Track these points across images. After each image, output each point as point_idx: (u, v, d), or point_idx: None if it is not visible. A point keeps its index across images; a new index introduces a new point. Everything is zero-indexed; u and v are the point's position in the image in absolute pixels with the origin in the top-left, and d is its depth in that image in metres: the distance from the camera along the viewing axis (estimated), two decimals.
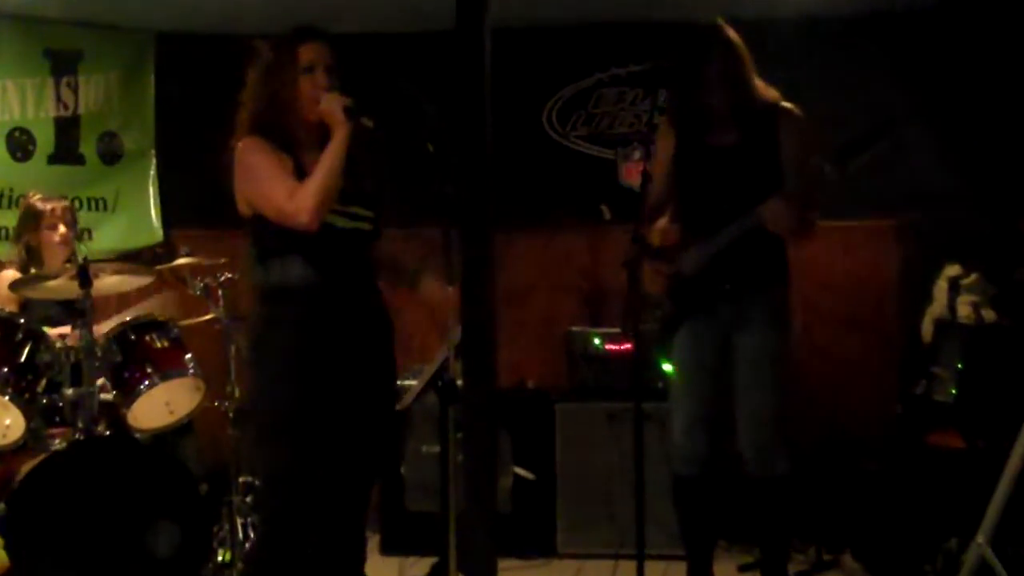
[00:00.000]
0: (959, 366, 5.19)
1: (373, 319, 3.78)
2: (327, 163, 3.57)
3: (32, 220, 5.34)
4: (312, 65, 3.67)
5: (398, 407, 3.96)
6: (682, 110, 4.30)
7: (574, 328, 6.02)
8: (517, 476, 5.69)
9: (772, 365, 4.22)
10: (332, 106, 3.60)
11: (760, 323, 4.21)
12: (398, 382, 3.99)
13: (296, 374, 3.63)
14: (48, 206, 5.34)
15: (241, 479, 5.22)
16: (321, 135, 3.67)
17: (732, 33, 4.19)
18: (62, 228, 5.33)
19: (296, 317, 3.65)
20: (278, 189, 3.58)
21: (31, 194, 5.47)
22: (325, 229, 3.62)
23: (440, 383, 3.64)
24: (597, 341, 5.88)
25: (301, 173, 3.63)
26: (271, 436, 3.69)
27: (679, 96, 4.32)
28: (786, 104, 4.21)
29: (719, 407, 4.29)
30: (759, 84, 4.21)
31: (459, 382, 3.60)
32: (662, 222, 4.34)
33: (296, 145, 3.68)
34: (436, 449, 4.65)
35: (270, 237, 3.67)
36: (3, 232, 6.06)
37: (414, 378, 4.72)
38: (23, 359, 4.73)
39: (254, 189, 3.65)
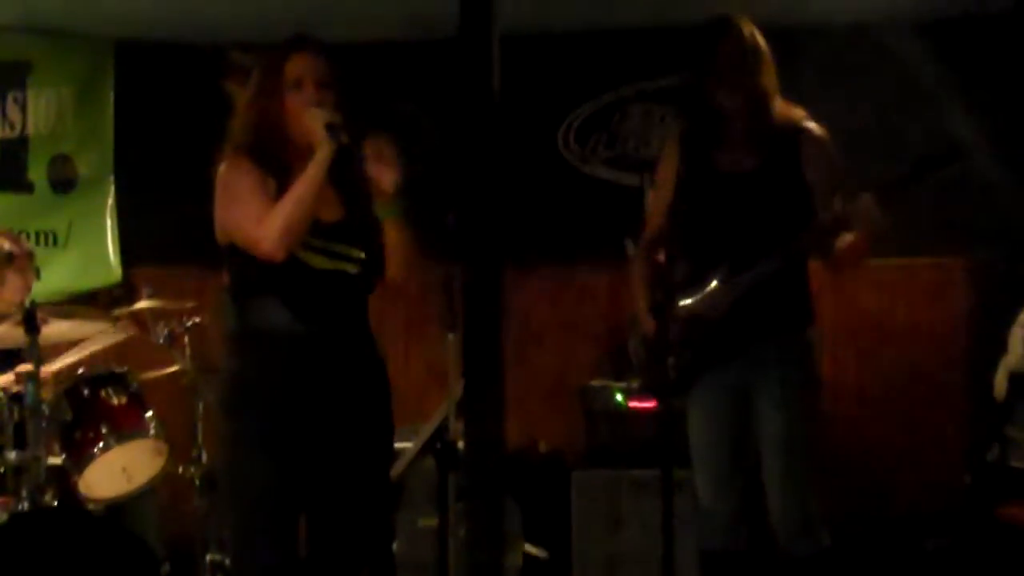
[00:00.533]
0: None
1: (363, 374, 3.75)
2: (299, 186, 3.58)
3: (4, 261, 5.33)
4: (300, 79, 3.68)
5: (391, 474, 3.94)
6: (690, 128, 4.29)
7: (593, 382, 6.01)
8: (527, 555, 5.67)
9: (799, 422, 4.20)
10: (313, 123, 3.61)
11: (784, 374, 4.19)
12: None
13: (273, 437, 3.61)
14: (19, 248, 5.37)
15: (209, 557, 5.20)
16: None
17: (748, 31, 4.16)
18: (31, 275, 5.37)
19: (273, 369, 3.63)
20: (249, 212, 3.60)
21: None
22: (299, 268, 3.61)
23: (438, 446, 3.62)
24: (619, 397, 5.86)
25: None
26: (242, 510, 3.66)
27: (687, 111, 4.32)
28: (810, 124, 4.20)
29: (748, 469, 4.27)
30: (780, 100, 4.20)
31: (460, 444, 3.58)
32: (660, 258, 4.34)
33: (284, 168, 3.68)
34: (434, 522, 4.62)
35: (245, 272, 3.68)
36: None
37: (409, 440, 4.70)
38: None
39: (226, 212, 3.67)
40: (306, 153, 3.66)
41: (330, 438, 3.65)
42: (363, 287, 3.77)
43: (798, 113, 4.21)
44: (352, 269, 3.71)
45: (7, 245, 5.39)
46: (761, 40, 4.15)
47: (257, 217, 3.57)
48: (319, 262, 3.65)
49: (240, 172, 3.65)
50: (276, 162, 3.68)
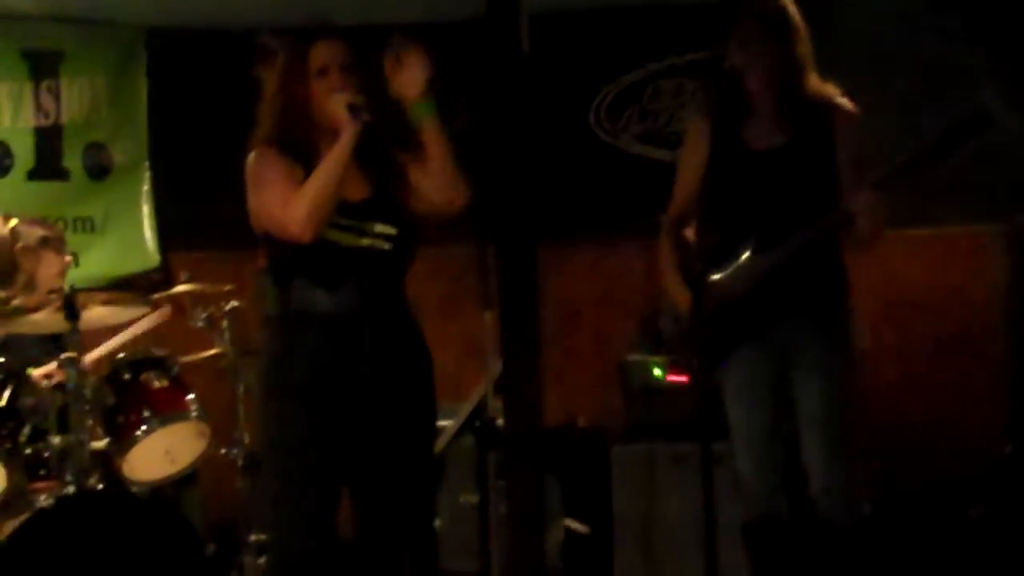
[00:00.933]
0: None
1: (401, 350, 3.77)
2: (326, 168, 3.62)
3: (35, 241, 5.37)
4: (325, 66, 3.72)
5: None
6: (719, 101, 4.24)
7: (631, 357, 5.99)
8: (568, 529, 5.68)
9: (837, 394, 4.19)
10: (336, 106, 3.65)
11: (820, 347, 4.18)
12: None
13: (314, 417, 3.64)
14: (51, 231, 5.41)
15: (253, 537, 5.23)
16: (361, 145, 3.71)
17: (778, 3, 4.09)
18: (68, 257, 5.41)
19: (311, 347, 3.67)
20: (276, 198, 3.65)
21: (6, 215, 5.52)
22: (331, 248, 3.65)
23: (478, 424, 3.64)
24: (657, 372, 5.85)
25: None
26: (282, 491, 3.69)
27: (716, 83, 4.27)
28: (843, 101, 4.16)
29: (786, 440, 4.27)
30: (814, 74, 4.15)
31: (500, 422, 3.60)
32: (691, 232, 4.32)
33: (313, 155, 3.71)
34: (475, 499, 4.64)
35: (280, 255, 3.73)
36: None
37: (448, 419, 4.72)
38: (3, 404, 4.76)
39: (257, 200, 3.72)
40: (332, 138, 3.69)
41: (371, 416, 3.68)
42: (398, 263, 3.79)
43: (831, 89, 4.17)
44: (385, 246, 3.74)
45: (40, 230, 5.43)
46: (792, 8, 4.08)
47: (284, 201, 3.62)
48: (350, 240, 3.68)
49: (267, 160, 3.71)
50: (303, 149, 3.72)
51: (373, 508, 3.73)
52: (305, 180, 3.66)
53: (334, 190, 3.61)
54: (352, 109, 3.62)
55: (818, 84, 4.13)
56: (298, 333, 3.70)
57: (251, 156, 3.73)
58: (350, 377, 3.66)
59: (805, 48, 4.09)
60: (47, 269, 5.39)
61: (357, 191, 3.72)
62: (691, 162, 4.26)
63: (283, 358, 3.72)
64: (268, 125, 3.75)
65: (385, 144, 3.74)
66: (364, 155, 3.69)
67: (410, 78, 3.68)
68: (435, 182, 3.72)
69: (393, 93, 3.70)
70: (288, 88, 3.73)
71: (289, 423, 3.68)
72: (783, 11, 4.07)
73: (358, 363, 3.67)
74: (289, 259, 3.69)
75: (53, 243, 5.42)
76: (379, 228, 3.73)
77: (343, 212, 3.66)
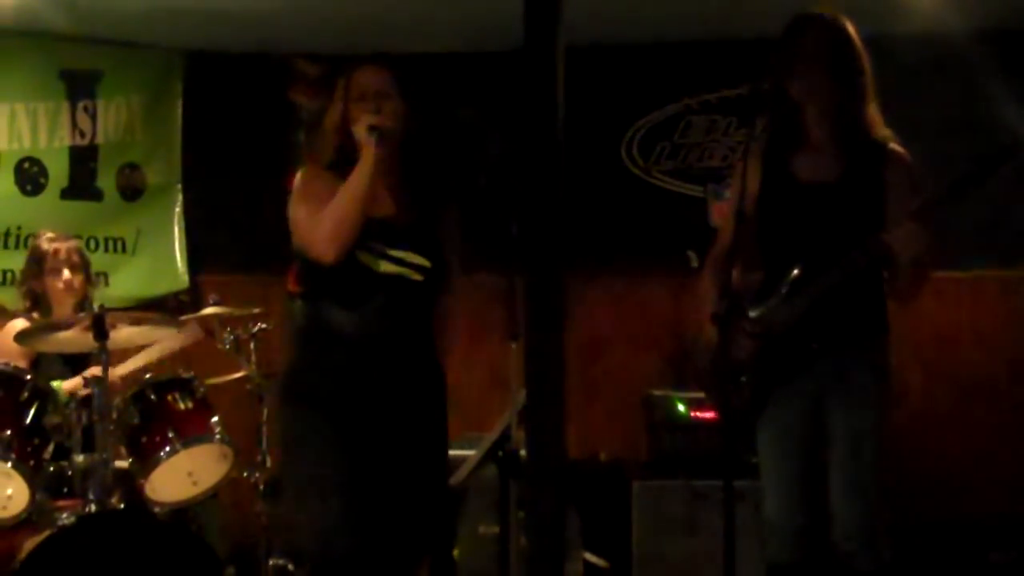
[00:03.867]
0: None
1: (418, 380, 3.78)
2: (348, 190, 3.66)
3: (35, 263, 5.39)
4: (364, 93, 3.78)
5: (452, 481, 3.95)
6: (770, 135, 4.18)
7: (655, 391, 5.98)
8: (588, 563, 5.65)
9: (871, 436, 4.13)
10: (359, 127, 3.70)
11: (857, 386, 4.12)
12: (451, 452, 3.98)
13: (325, 430, 3.65)
14: (52, 247, 5.38)
15: (272, 561, 5.22)
16: (403, 167, 3.79)
17: (841, 24, 4.00)
18: (66, 273, 5.34)
19: (331, 365, 3.70)
20: (308, 216, 3.71)
21: (40, 233, 5.53)
22: (362, 271, 3.69)
23: (500, 454, 3.62)
24: (681, 407, 5.84)
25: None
26: (306, 499, 3.72)
27: (766, 116, 4.18)
28: (896, 147, 4.12)
29: (817, 483, 4.22)
30: (873, 106, 4.10)
31: (522, 453, 3.58)
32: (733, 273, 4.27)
33: None
34: (495, 530, 4.62)
35: (311, 274, 3.78)
36: (9, 276, 6.11)
37: (471, 448, 4.71)
38: (28, 421, 4.77)
39: (295, 215, 3.78)
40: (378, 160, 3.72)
41: (380, 442, 3.70)
42: (427, 295, 3.79)
43: (885, 131, 4.11)
44: (416, 276, 3.74)
45: (42, 246, 5.40)
46: (856, 37, 3.98)
47: (311, 221, 3.69)
48: (384, 267, 3.69)
49: (312, 179, 3.79)
50: (347, 170, 3.73)
51: (382, 530, 3.73)
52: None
53: (356, 212, 3.64)
54: (372, 130, 3.65)
55: (876, 118, 4.05)
56: (317, 349, 3.75)
57: (300, 172, 3.83)
58: (363, 399, 3.69)
59: (867, 79, 4.01)
60: (52, 287, 5.37)
61: (394, 216, 3.75)
62: (740, 195, 4.16)
63: (300, 370, 3.79)
64: (317, 148, 3.86)
65: (430, 175, 3.77)
66: (401, 180, 3.72)
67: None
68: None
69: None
70: (333, 113, 3.81)
71: (302, 431, 3.73)
72: (849, 40, 3.99)
73: (372, 387, 3.70)
74: (319, 279, 3.74)
75: (47, 263, 5.36)
76: (413, 258, 3.74)
77: (377, 236, 3.69)
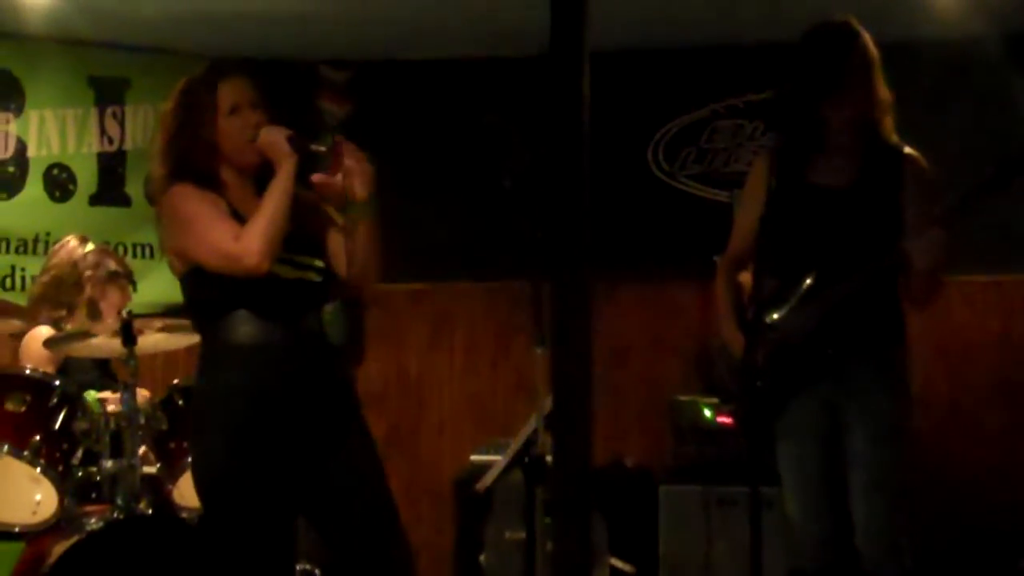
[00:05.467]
0: None
1: (329, 382, 3.76)
2: (274, 199, 3.63)
3: (106, 273, 5.40)
4: (236, 105, 3.75)
5: (478, 486, 3.94)
6: (786, 141, 4.18)
7: (680, 397, 5.97)
8: (614, 569, 5.64)
9: (890, 442, 4.12)
10: (273, 137, 3.67)
11: (875, 393, 4.11)
12: (478, 457, 3.97)
13: (245, 451, 3.65)
14: (122, 267, 5.45)
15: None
16: (259, 175, 3.73)
17: (868, 38, 4.03)
18: (130, 289, 5.44)
19: (243, 384, 3.66)
20: (221, 231, 3.63)
21: (67, 240, 5.55)
22: (271, 279, 3.65)
23: (526, 459, 3.62)
24: (707, 412, 5.82)
25: (236, 217, 3.68)
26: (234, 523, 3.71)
27: (783, 122, 4.19)
28: (912, 152, 4.11)
29: (838, 490, 4.20)
30: (890, 119, 4.10)
31: (548, 458, 3.58)
32: (746, 276, 4.26)
33: (225, 189, 3.75)
34: (521, 535, 4.62)
35: (211, 291, 3.71)
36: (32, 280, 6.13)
37: (497, 454, 4.71)
38: (57, 426, 4.78)
39: (192, 237, 3.69)
40: (249, 172, 3.74)
41: (305, 447, 3.68)
42: (324, 295, 3.78)
43: (896, 138, 4.11)
44: (315, 277, 3.75)
45: (112, 263, 5.46)
46: (875, 50, 4.03)
47: (233, 235, 3.61)
48: (288, 272, 3.69)
49: (195, 198, 3.70)
50: (217, 184, 3.73)
51: (334, 537, 3.74)
52: (229, 213, 3.67)
53: (284, 219, 3.62)
54: (292, 140, 3.64)
55: (892, 130, 4.07)
56: (230, 366, 3.69)
57: (171, 193, 3.73)
58: (281, 406, 3.66)
59: (886, 92, 4.05)
60: (109, 303, 5.41)
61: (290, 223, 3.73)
62: (752, 201, 4.18)
63: (212, 392, 3.72)
64: (179, 160, 3.75)
65: (304, 179, 3.75)
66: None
67: (359, 183, 3.68)
68: (353, 269, 3.75)
69: (340, 188, 3.70)
70: (194, 127, 3.74)
71: (220, 458, 3.68)
72: (872, 53, 4.02)
73: (289, 392, 3.67)
74: (220, 294, 3.68)
75: (121, 279, 5.44)
76: (309, 260, 3.75)
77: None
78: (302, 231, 3.75)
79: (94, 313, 5.38)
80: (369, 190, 3.69)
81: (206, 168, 3.74)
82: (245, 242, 3.59)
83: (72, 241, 5.49)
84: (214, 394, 3.74)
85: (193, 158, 3.74)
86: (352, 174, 3.67)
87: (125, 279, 5.46)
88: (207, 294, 3.73)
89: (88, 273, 5.41)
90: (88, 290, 5.41)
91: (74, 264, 5.42)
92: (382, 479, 3.80)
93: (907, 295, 4.09)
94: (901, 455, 4.12)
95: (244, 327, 3.67)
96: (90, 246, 5.49)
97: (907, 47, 5.55)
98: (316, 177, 3.67)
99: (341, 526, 3.73)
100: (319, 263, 3.78)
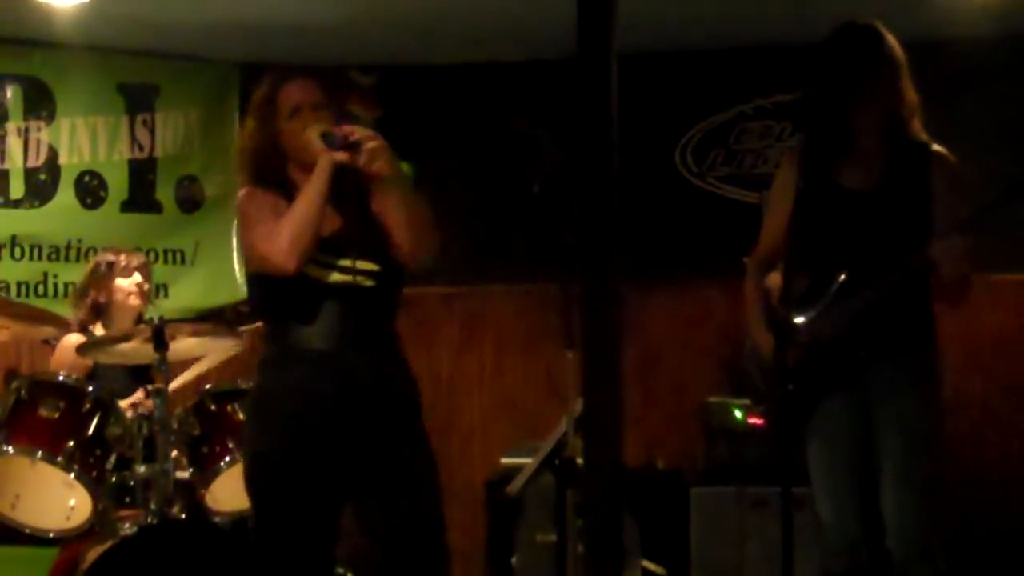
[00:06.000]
0: None
1: (387, 392, 3.76)
2: (302, 198, 3.64)
3: (104, 270, 5.45)
4: (298, 107, 3.76)
5: (509, 490, 3.94)
6: (812, 142, 4.17)
7: (711, 399, 5.96)
8: (646, 571, 5.63)
9: (922, 444, 4.10)
10: (309, 135, 3.68)
11: (906, 394, 4.09)
12: (509, 460, 3.97)
13: (294, 454, 3.67)
14: (121, 256, 5.48)
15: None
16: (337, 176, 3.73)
17: (892, 40, 4.02)
18: (138, 276, 5.45)
19: (302, 382, 3.68)
20: (259, 232, 3.67)
21: (104, 249, 5.61)
22: (313, 285, 3.66)
23: (557, 462, 3.62)
24: (738, 414, 5.81)
25: None
26: (267, 529, 3.75)
27: (810, 124, 4.18)
28: (939, 148, 4.09)
29: (869, 493, 4.18)
30: (917, 120, 4.08)
31: (579, 461, 3.58)
32: (775, 277, 4.25)
33: (295, 190, 3.75)
34: (552, 538, 4.61)
35: (269, 296, 3.75)
36: (71, 289, 6.14)
37: (528, 457, 4.70)
38: (91, 432, 4.81)
39: (244, 239, 3.79)
40: (309, 173, 3.71)
41: (354, 454, 3.68)
42: (382, 300, 3.77)
43: (924, 135, 4.10)
44: (367, 283, 3.72)
45: (109, 256, 5.49)
46: (901, 52, 4.02)
47: (267, 235, 3.64)
48: (335, 277, 3.68)
49: (254, 201, 3.75)
50: (289, 187, 3.74)
51: (382, 542, 3.74)
52: (278, 214, 3.68)
53: (314, 219, 3.62)
54: (325, 137, 3.65)
55: (920, 129, 4.06)
56: (282, 371, 3.72)
57: (238, 197, 3.79)
58: (339, 411, 3.66)
59: (913, 94, 4.03)
60: (119, 294, 5.45)
61: (342, 230, 3.73)
62: (779, 203, 4.17)
63: (274, 392, 3.75)
64: (251, 164, 3.80)
65: (360, 180, 3.74)
66: (337, 192, 3.69)
67: (380, 158, 3.67)
68: (405, 239, 3.72)
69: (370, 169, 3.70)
70: (266, 128, 3.77)
71: (268, 460, 3.72)
72: (899, 54, 4.00)
73: (348, 398, 3.67)
74: (276, 299, 3.71)
75: (118, 268, 5.46)
76: (361, 265, 3.71)
77: (324, 250, 3.67)
78: (356, 233, 3.75)
79: (100, 314, 5.42)
80: (391, 162, 3.69)
81: (269, 170, 3.77)
82: (273, 242, 3.62)
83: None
84: (256, 394, 3.82)
85: (256, 160, 3.79)
86: (368, 153, 3.67)
87: (125, 269, 5.45)
88: (265, 298, 3.79)
89: (91, 279, 5.47)
90: (95, 294, 5.44)
91: (96, 267, 5.49)
92: (431, 485, 3.80)
93: (939, 295, 4.08)
94: (932, 456, 4.10)
95: (293, 333, 3.69)
96: (114, 248, 5.55)
97: (933, 45, 5.54)
98: (337, 158, 3.66)
99: (385, 524, 3.73)
100: (373, 267, 3.73)
